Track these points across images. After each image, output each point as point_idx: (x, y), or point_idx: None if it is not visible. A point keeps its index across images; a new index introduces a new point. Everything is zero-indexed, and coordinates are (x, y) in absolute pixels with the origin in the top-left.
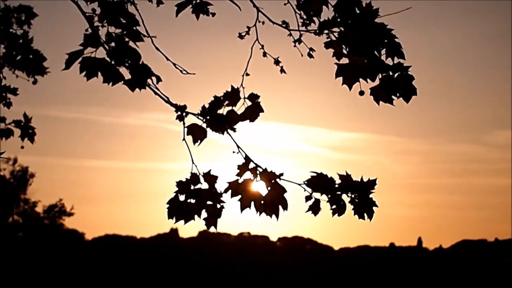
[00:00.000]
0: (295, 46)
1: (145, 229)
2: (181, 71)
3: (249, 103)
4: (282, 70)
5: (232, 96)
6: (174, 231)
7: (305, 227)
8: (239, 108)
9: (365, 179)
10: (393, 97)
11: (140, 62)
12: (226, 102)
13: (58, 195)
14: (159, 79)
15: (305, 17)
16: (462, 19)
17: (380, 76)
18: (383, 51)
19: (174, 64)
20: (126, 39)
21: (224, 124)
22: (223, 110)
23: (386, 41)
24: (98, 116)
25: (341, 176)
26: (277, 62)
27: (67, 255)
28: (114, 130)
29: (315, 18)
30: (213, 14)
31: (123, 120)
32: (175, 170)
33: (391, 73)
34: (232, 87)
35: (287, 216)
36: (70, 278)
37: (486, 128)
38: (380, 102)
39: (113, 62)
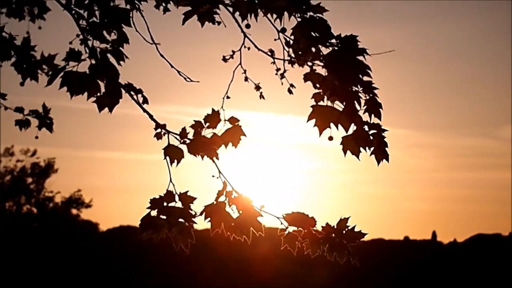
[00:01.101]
0: (276, 74)
1: None
2: (185, 78)
3: (229, 126)
4: (261, 96)
5: (213, 118)
6: None
7: (317, 220)
8: (220, 131)
9: (356, 229)
10: (361, 149)
11: (119, 81)
12: (207, 124)
13: (73, 186)
14: (145, 100)
15: (293, 55)
16: (477, 12)
17: (354, 127)
18: (363, 105)
19: (179, 72)
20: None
21: (203, 149)
22: (204, 132)
23: (367, 96)
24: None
25: (339, 222)
26: (257, 87)
27: (81, 245)
28: (130, 122)
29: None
30: (219, 23)
31: (139, 112)
32: (190, 163)
33: (366, 128)
34: (213, 109)
35: (299, 208)
36: (83, 268)
37: (499, 122)
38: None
39: (90, 75)
